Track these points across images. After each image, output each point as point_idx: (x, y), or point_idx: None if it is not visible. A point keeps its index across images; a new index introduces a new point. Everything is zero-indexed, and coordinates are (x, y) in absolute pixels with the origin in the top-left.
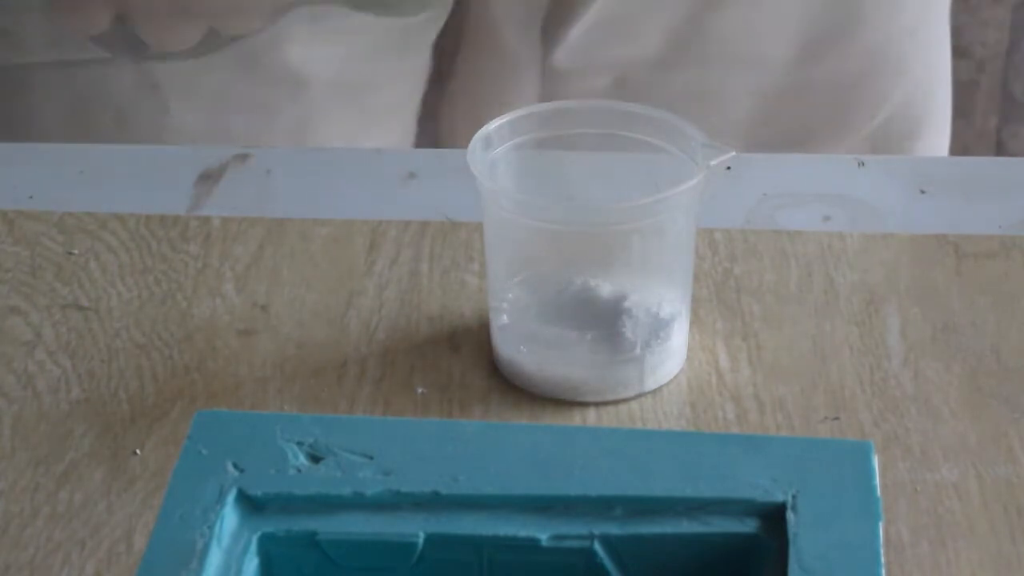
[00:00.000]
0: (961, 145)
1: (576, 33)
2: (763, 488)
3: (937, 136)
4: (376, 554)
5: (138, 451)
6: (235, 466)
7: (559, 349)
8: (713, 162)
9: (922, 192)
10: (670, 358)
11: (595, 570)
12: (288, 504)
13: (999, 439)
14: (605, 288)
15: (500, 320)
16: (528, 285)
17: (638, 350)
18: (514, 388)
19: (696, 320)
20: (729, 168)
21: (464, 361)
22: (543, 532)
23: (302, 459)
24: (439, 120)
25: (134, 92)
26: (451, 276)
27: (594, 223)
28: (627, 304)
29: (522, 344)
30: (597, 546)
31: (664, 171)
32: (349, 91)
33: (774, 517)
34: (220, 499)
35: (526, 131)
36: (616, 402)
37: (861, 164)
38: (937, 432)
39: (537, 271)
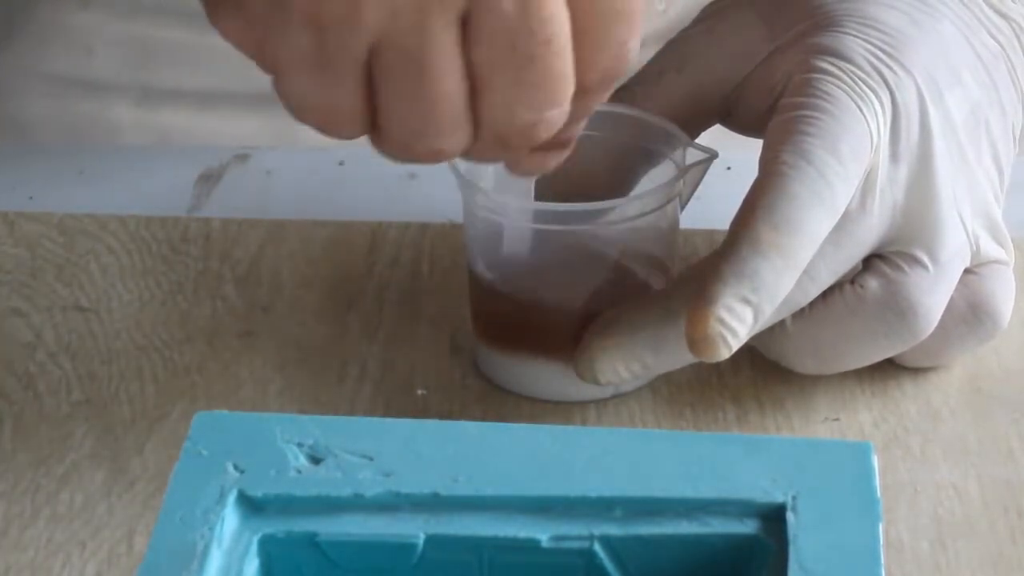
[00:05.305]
0: None
1: None
2: (763, 489)
3: None
4: (376, 555)
5: (139, 453)
6: (235, 467)
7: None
8: (693, 163)
9: None
10: None
11: (595, 571)
12: (288, 505)
13: (999, 439)
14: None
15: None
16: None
17: None
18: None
19: None
20: (729, 168)
21: (464, 362)
22: (543, 533)
23: (302, 460)
24: None
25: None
26: (452, 277)
27: (569, 223)
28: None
29: None
30: (597, 547)
31: (653, 173)
32: None
33: (774, 518)
34: (220, 500)
35: None
36: (616, 402)
37: None
38: (937, 432)
39: (521, 271)
